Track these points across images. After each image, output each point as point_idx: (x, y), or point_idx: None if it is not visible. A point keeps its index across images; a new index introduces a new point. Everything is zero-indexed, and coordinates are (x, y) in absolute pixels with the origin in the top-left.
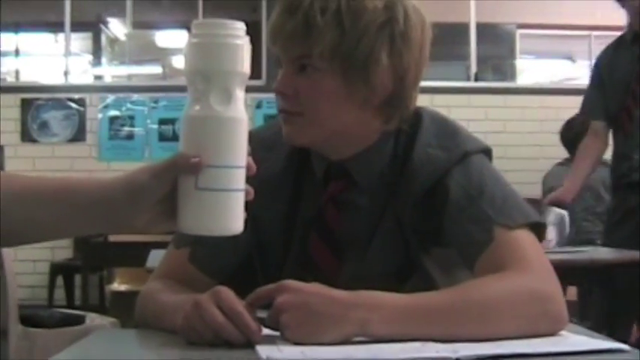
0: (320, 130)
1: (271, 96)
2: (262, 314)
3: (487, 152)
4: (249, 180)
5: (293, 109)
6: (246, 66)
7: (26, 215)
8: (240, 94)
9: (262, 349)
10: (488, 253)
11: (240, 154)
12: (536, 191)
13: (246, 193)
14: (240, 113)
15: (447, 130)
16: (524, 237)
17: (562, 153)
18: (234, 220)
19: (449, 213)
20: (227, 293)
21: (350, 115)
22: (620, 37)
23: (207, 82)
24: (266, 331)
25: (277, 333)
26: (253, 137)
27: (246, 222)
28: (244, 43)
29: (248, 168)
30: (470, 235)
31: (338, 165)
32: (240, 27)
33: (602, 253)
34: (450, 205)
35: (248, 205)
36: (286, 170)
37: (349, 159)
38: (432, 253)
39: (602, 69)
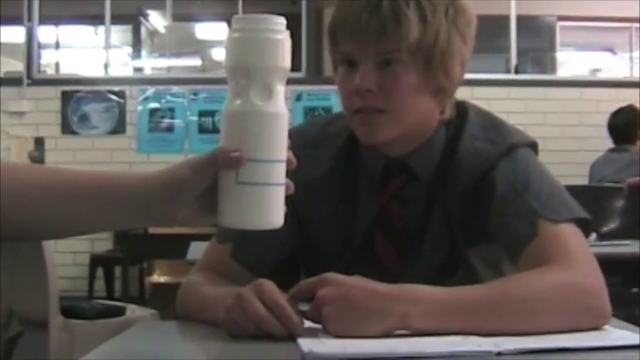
0: (402, 126)
1: (311, 88)
2: (304, 307)
3: (533, 146)
4: (295, 179)
5: (377, 106)
6: (286, 61)
7: (67, 209)
8: (280, 89)
9: (304, 342)
10: (532, 247)
11: (280, 149)
12: (576, 184)
13: (287, 188)
14: (281, 108)
15: (493, 123)
16: (569, 232)
17: (602, 145)
18: (274, 214)
19: (494, 206)
20: (269, 286)
21: (424, 108)
22: None
23: (247, 77)
24: (308, 323)
25: (319, 326)
26: (296, 135)
27: (287, 217)
28: (285, 38)
29: (288, 162)
30: (515, 228)
31: (397, 161)
32: (280, 22)
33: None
34: (496, 198)
35: (291, 205)
36: (334, 170)
37: (409, 154)
38: (478, 248)
39: None
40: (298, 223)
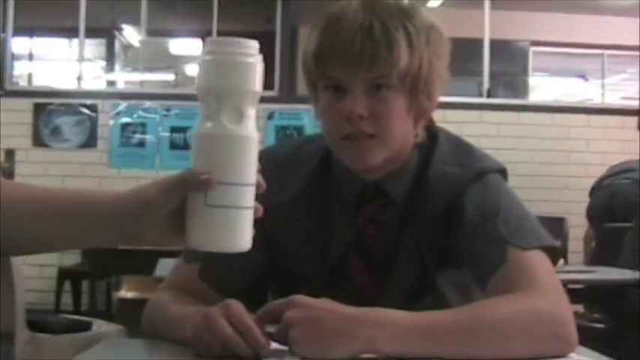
0: (390, 150)
1: (283, 107)
2: (271, 329)
3: (503, 172)
4: (264, 202)
5: (367, 131)
6: (258, 85)
7: (36, 226)
8: (251, 113)
9: None
10: (500, 274)
11: (250, 172)
12: (545, 209)
13: (256, 211)
14: (251, 132)
15: (463, 147)
16: (537, 259)
17: (572, 171)
18: (242, 237)
19: (464, 232)
20: (237, 306)
21: (407, 131)
22: None
23: (218, 99)
24: (274, 345)
25: (286, 348)
26: (267, 157)
27: (256, 240)
28: (257, 62)
29: (258, 186)
30: (483, 254)
31: (373, 185)
32: (253, 45)
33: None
34: (465, 224)
35: (261, 228)
36: (305, 193)
37: (385, 177)
38: (447, 272)
39: None
40: (267, 246)
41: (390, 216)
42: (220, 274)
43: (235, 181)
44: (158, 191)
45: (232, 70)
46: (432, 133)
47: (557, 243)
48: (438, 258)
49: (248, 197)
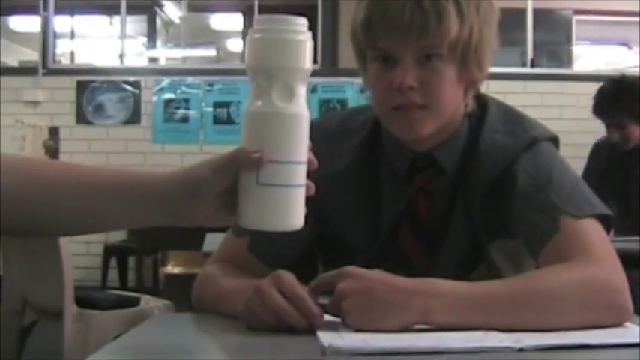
0: (441, 120)
1: (326, 80)
2: (324, 300)
3: (555, 140)
4: (312, 174)
5: (418, 101)
6: (308, 62)
7: (86, 206)
8: (302, 90)
9: (324, 336)
10: (553, 243)
11: (301, 150)
12: None
13: (307, 189)
14: (302, 109)
15: (513, 116)
16: (591, 227)
17: None
18: (295, 215)
19: (516, 201)
20: (288, 277)
21: (458, 101)
22: None
23: (269, 77)
24: (328, 317)
25: (339, 319)
26: (316, 129)
27: (307, 216)
28: (306, 39)
29: (309, 163)
30: (536, 223)
31: (424, 155)
32: (302, 22)
33: None
34: (517, 193)
35: (310, 200)
36: (355, 164)
37: (436, 147)
38: (499, 242)
39: None
40: (317, 219)
41: (441, 186)
42: (270, 247)
43: (287, 160)
44: (209, 170)
45: (282, 48)
46: (482, 102)
47: (610, 212)
48: (491, 228)
49: (300, 175)
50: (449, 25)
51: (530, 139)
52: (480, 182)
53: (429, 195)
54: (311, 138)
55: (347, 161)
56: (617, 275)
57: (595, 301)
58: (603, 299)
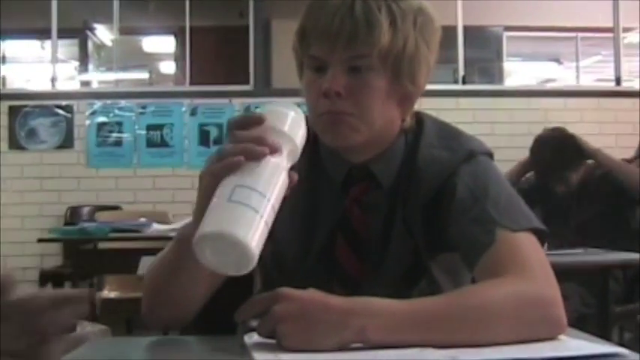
0: (369, 131)
1: (260, 100)
2: (254, 323)
3: (491, 156)
4: None
5: (345, 110)
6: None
7: None
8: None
9: (260, 357)
10: (489, 255)
11: (278, 195)
12: None
13: (270, 233)
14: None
15: (450, 131)
16: (527, 241)
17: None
18: (252, 237)
19: (453, 213)
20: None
21: (389, 114)
22: None
23: None
24: (260, 339)
25: (273, 341)
26: None
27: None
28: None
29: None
30: (472, 235)
31: (360, 167)
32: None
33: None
34: (455, 204)
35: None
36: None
37: (372, 160)
38: (440, 258)
39: None
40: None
41: (378, 199)
42: None
43: (263, 192)
44: None
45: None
46: (418, 119)
47: (544, 226)
48: (431, 243)
49: (269, 214)
50: (379, 34)
51: (468, 152)
52: (420, 196)
53: (365, 207)
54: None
55: None
56: (551, 289)
57: (529, 315)
58: (537, 313)
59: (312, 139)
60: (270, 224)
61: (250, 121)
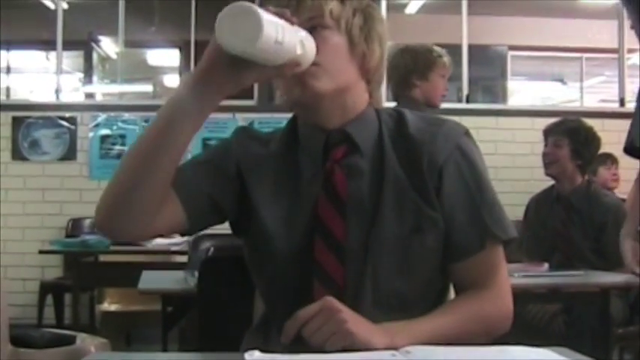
0: (331, 80)
1: (263, 116)
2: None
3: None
4: (246, 153)
5: None
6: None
7: None
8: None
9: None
10: (474, 261)
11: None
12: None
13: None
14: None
15: (432, 117)
16: (501, 254)
17: None
18: (268, 16)
19: (447, 198)
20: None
21: (353, 76)
22: None
23: None
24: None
25: (274, 356)
26: (252, 132)
27: (230, 168)
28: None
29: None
30: (465, 235)
31: (338, 132)
32: None
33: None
34: (455, 191)
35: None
36: (278, 152)
37: (346, 124)
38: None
39: None
40: (239, 180)
41: (359, 163)
42: (185, 180)
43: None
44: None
45: None
46: (397, 111)
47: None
48: (426, 200)
49: (283, 25)
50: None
51: (465, 129)
52: (423, 162)
53: (347, 170)
54: (241, 139)
55: (272, 150)
56: (508, 308)
57: (495, 329)
58: (501, 327)
59: (290, 125)
60: (282, 33)
61: None
